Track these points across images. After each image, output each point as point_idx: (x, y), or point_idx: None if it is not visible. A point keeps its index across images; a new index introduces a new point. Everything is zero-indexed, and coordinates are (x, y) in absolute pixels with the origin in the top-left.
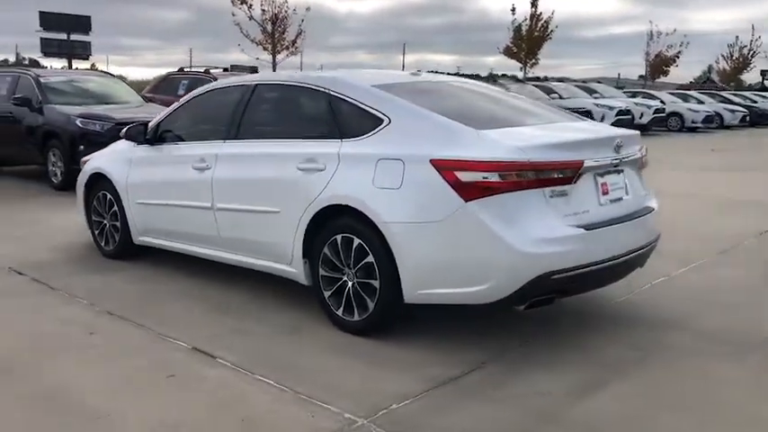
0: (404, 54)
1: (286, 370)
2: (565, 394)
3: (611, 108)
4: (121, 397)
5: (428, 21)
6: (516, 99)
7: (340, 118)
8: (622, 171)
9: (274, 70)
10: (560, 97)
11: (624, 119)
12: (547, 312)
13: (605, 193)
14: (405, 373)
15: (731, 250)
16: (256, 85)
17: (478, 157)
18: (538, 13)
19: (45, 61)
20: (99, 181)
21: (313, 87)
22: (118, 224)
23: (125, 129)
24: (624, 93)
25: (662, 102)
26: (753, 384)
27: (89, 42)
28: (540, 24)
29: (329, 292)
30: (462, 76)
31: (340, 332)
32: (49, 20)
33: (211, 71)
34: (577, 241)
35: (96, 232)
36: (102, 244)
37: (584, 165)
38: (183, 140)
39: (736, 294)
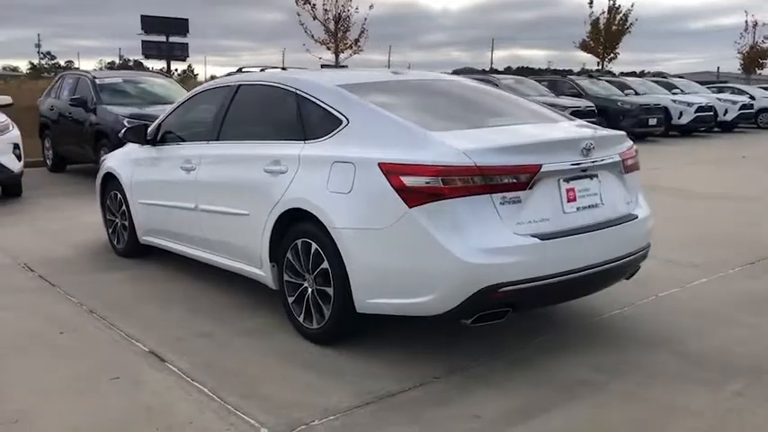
0: (492, 50)
1: (229, 377)
2: (500, 417)
3: (689, 104)
4: (51, 400)
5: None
6: (496, 98)
7: (304, 119)
8: (596, 176)
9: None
10: (636, 93)
11: (705, 115)
12: (525, 324)
13: (572, 200)
14: (347, 385)
15: (762, 262)
16: (239, 85)
17: (422, 160)
18: (616, 5)
19: (146, 63)
20: (111, 180)
21: (283, 87)
22: (126, 223)
23: (124, 130)
24: (710, 88)
25: (751, 97)
26: (716, 421)
27: (186, 44)
28: (618, 18)
29: (292, 298)
30: (554, 71)
31: (301, 339)
32: (149, 23)
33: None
34: (530, 252)
35: (110, 231)
36: (115, 242)
37: (542, 169)
38: (178, 141)
39: (748, 312)
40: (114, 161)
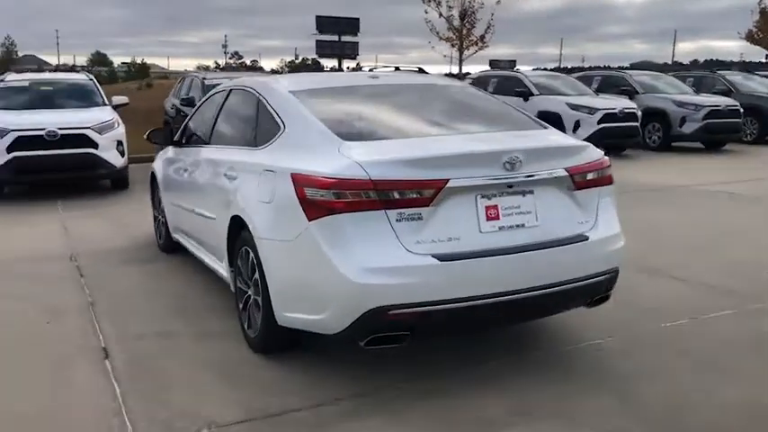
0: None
1: (147, 380)
2: None
3: None
4: None
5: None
6: (463, 106)
7: (258, 125)
8: (530, 192)
9: (460, 67)
10: None
11: None
12: (478, 346)
13: (492, 218)
14: (249, 399)
15: None
16: (231, 89)
17: (321, 172)
18: None
19: (321, 61)
20: (154, 179)
21: (251, 92)
22: (163, 219)
23: (149, 131)
24: None
25: None
26: None
27: (357, 43)
28: None
29: (241, 305)
30: (744, 64)
31: (244, 346)
32: (323, 23)
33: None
34: (427, 273)
35: (155, 226)
36: (157, 238)
37: (449, 185)
38: (191, 144)
39: (747, 362)
40: (156, 160)
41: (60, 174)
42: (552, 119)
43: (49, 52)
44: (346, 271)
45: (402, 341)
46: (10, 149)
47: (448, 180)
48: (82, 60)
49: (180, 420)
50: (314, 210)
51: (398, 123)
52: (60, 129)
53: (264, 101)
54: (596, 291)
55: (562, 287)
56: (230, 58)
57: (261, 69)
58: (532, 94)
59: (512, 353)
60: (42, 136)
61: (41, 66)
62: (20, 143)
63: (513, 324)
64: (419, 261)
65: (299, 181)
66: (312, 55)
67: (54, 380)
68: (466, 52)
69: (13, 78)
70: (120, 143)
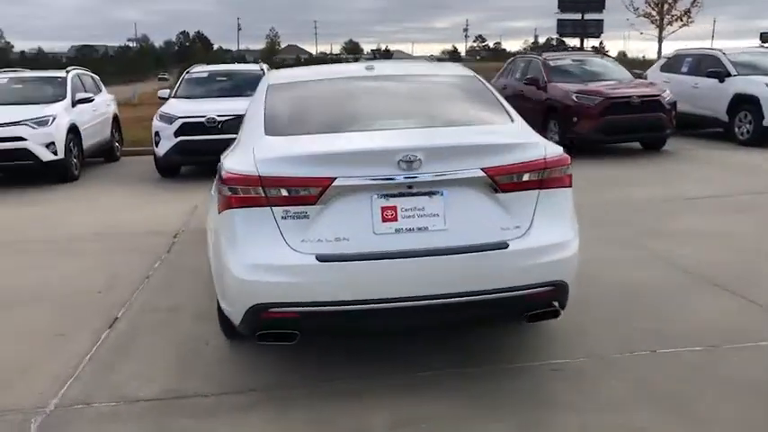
0: None
1: (120, 349)
2: None
3: None
4: None
5: None
6: (427, 99)
7: (244, 117)
8: (437, 194)
9: (659, 45)
10: None
11: None
12: (432, 348)
13: (389, 219)
14: (168, 378)
15: None
16: None
17: (226, 167)
18: None
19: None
20: None
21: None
22: None
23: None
24: None
25: None
26: None
27: (601, 21)
28: None
29: None
30: None
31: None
32: (566, 1)
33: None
34: (309, 273)
35: None
36: None
37: (335, 183)
38: None
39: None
40: None
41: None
42: (750, 102)
43: (308, 42)
44: (233, 266)
45: (292, 339)
46: (176, 134)
47: (334, 179)
48: (337, 49)
49: (100, 391)
50: (221, 204)
51: (332, 118)
52: (219, 116)
53: (253, 94)
54: (531, 305)
55: (476, 297)
56: (474, 41)
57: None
58: (729, 75)
59: (454, 365)
60: (203, 123)
61: (299, 55)
62: (184, 129)
63: (424, 330)
64: (301, 260)
65: (219, 174)
66: (553, 35)
67: (49, 338)
68: (669, 28)
69: (196, 70)
70: None
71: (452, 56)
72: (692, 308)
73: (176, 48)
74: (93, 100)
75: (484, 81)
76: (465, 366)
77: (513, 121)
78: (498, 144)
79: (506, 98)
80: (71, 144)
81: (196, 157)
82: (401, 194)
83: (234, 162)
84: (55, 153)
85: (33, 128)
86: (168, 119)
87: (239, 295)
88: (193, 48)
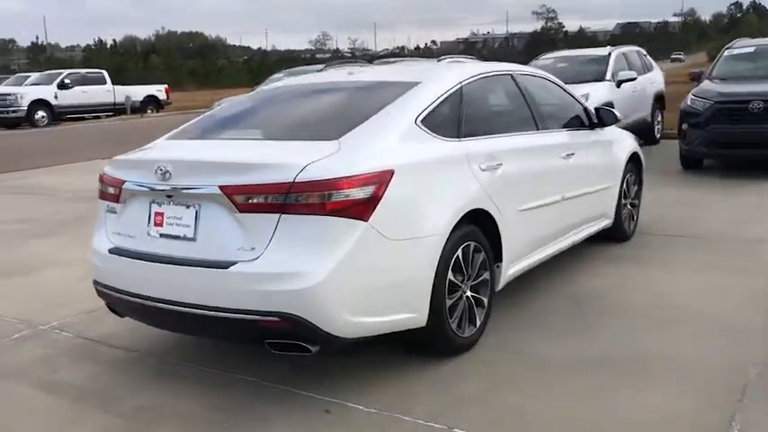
0: None
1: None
2: None
3: None
4: None
5: None
6: (318, 109)
7: None
8: (193, 206)
9: None
10: None
11: None
12: None
13: (158, 224)
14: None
15: None
16: None
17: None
18: None
19: None
20: None
21: None
22: None
23: None
24: None
25: None
26: None
27: None
28: None
29: None
30: None
31: None
32: None
33: None
34: (103, 261)
35: None
36: None
37: (124, 186)
38: None
39: None
40: None
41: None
42: None
43: None
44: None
45: (122, 316)
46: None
47: (124, 182)
48: None
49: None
50: None
51: (209, 127)
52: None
53: None
54: (267, 333)
55: (208, 312)
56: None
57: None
58: None
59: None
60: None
61: None
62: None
63: (189, 334)
64: (104, 249)
65: None
66: None
67: None
68: None
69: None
70: None
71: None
72: None
73: (725, 20)
74: (635, 78)
75: (411, 91)
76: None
77: (340, 137)
78: (238, 163)
79: None
80: None
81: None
82: (168, 203)
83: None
84: None
85: None
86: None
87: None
88: (746, 18)
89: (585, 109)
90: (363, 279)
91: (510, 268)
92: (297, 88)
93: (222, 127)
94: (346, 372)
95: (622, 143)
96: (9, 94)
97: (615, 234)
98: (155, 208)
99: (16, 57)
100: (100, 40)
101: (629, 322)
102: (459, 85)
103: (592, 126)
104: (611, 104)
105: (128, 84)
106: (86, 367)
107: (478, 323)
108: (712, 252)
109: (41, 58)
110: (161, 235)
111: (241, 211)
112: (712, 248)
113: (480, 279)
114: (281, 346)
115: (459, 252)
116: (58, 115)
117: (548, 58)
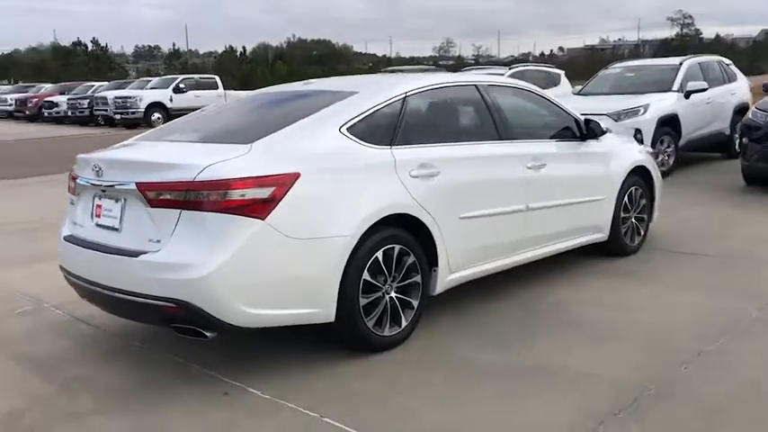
0: None
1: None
2: None
3: None
4: None
5: None
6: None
7: None
8: (121, 200)
9: None
10: None
11: None
12: None
13: (98, 215)
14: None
15: None
16: None
17: None
18: None
19: None
20: None
21: None
22: None
23: None
24: None
25: None
26: None
27: None
28: None
29: None
30: None
31: None
32: None
33: None
34: (63, 247)
35: None
36: None
37: (78, 181)
38: None
39: None
40: None
41: None
42: None
43: None
44: None
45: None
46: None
47: (77, 177)
48: None
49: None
50: None
51: (175, 130)
52: None
53: None
54: (169, 318)
55: (123, 296)
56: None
57: None
58: None
59: None
60: None
61: None
62: None
63: (122, 317)
64: (62, 236)
65: None
66: None
67: None
68: None
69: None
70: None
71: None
72: None
73: None
74: (705, 89)
75: (345, 100)
76: None
77: (254, 141)
78: (152, 162)
79: None
80: (664, 136)
81: None
82: (103, 197)
83: None
84: (640, 143)
85: (614, 119)
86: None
87: None
88: None
89: (576, 120)
90: (258, 273)
91: (451, 274)
92: (256, 96)
93: (178, 130)
94: (263, 360)
95: (623, 155)
96: (130, 97)
97: (613, 248)
98: (96, 201)
99: (159, 62)
100: (231, 47)
101: (573, 335)
102: (403, 96)
103: (583, 137)
104: (674, 116)
105: (246, 88)
106: (60, 342)
107: (404, 324)
108: (709, 271)
109: (177, 63)
110: (97, 225)
111: (152, 206)
112: (712, 267)
113: (409, 282)
114: (183, 330)
115: (380, 254)
116: (172, 117)
117: (616, 67)
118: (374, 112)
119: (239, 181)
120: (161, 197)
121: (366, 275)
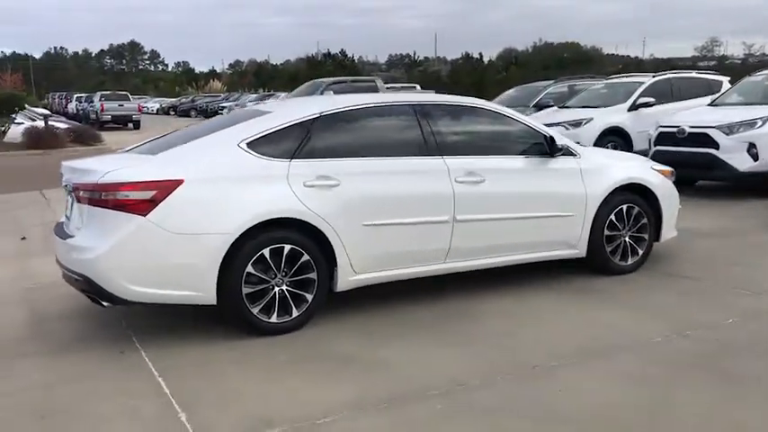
0: None
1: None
2: None
3: None
4: None
5: None
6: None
7: None
8: (72, 197)
9: None
10: None
11: None
12: None
13: (67, 208)
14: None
15: None
16: None
17: None
18: None
19: None
20: None
21: None
22: None
23: None
24: None
25: None
26: None
27: None
28: None
29: None
30: None
31: None
32: None
33: None
34: (53, 237)
35: None
36: None
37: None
38: None
39: None
40: None
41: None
42: None
43: None
44: None
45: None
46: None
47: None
48: None
49: None
50: None
51: (151, 143)
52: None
53: None
54: (90, 289)
55: (71, 273)
56: None
57: None
58: None
59: None
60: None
61: None
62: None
63: (80, 292)
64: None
65: None
66: None
67: None
68: None
69: None
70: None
71: None
72: None
73: None
74: None
75: (256, 118)
76: None
77: (159, 153)
78: (81, 168)
79: None
80: None
81: None
82: (69, 195)
83: None
84: (755, 158)
85: (725, 133)
86: None
87: None
88: None
89: (545, 137)
90: (140, 258)
91: (357, 275)
92: (232, 112)
93: (149, 143)
94: (177, 332)
95: (606, 173)
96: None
97: (594, 265)
98: (69, 198)
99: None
100: (467, 54)
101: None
102: (317, 115)
103: (552, 153)
104: None
105: (479, 95)
106: (43, 313)
107: (295, 314)
108: (681, 296)
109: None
110: (67, 217)
111: (79, 202)
112: (688, 292)
113: (303, 277)
114: (92, 299)
115: (267, 251)
116: None
117: (760, 74)
118: (279, 130)
119: (127, 184)
120: (81, 195)
121: (250, 268)
